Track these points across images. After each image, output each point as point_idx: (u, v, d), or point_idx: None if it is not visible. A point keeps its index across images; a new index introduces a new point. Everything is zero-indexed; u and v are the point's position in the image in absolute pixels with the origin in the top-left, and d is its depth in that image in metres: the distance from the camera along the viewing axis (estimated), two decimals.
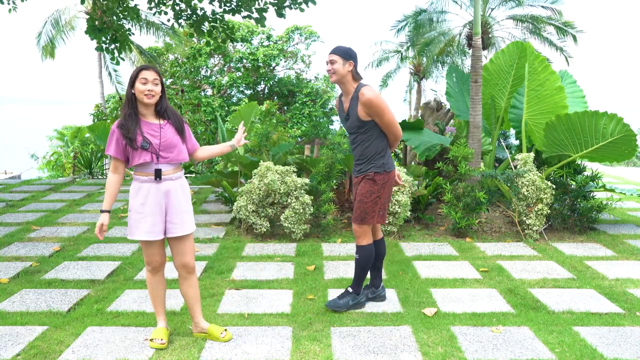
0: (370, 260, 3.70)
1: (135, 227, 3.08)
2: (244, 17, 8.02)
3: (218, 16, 7.99)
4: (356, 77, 3.46)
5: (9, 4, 7.95)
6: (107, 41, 7.98)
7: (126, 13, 7.91)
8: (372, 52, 24.98)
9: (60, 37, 20.14)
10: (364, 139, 3.50)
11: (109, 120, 10.91)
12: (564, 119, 5.65)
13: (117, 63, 8.43)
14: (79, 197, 7.99)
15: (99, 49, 8.06)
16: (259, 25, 8.08)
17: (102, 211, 3.08)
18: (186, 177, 10.55)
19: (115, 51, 8.16)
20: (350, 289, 3.77)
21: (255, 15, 7.67)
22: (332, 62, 3.41)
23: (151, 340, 3.20)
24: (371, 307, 3.83)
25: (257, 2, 7.58)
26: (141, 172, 3.06)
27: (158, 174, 3.04)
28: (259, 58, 24.61)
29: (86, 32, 7.85)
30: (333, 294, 4.07)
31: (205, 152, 3.34)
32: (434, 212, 6.65)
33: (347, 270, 4.63)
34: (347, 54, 3.42)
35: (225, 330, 3.32)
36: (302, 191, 5.53)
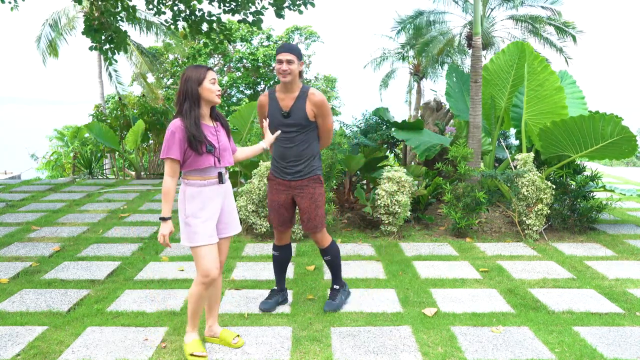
0: (339, 253, 3.78)
1: (197, 233, 2.95)
2: (239, 22, 8.02)
3: (215, 17, 7.98)
4: (301, 76, 3.48)
5: (10, 2, 7.95)
6: (103, 41, 7.98)
7: (124, 14, 7.90)
8: (372, 52, 24.99)
9: (62, 37, 20.16)
10: (303, 139, 3.48)
11: (108, 120, 10.91)
12: (560, 123, 5.64)
13: (110, 63, 8.46)
14: (78, 197, 7.99)
15: (92, 48, 8.06)
16: (256, 28, 8.08)
17: (163, 219, 2.96)
18: None
19: (109, 52, 8.15)
20: (336, 287, 3.84)
21: (251, 18, 7.68)
22: (289, 62, 3.33)
23: (192, 355, 3.04)
24: (371, 307, 3.83)
25: (255, 4, 7.58)
26: (200, 176, 2.97)
27: (221, 178, 3.01)
28: (259, 58, 24.63)
29: (83, 33, 7.86)
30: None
31: (241, 154, 3.31)
32: (433, 212, 6.65)
33: (347, 270, 4.63)
34: (300, 54, 3.41)
35: (238, 336, 3.25)
36: None
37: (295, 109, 3.43)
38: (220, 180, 3.01)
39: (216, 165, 2.97)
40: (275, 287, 3.89)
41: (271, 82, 25.96)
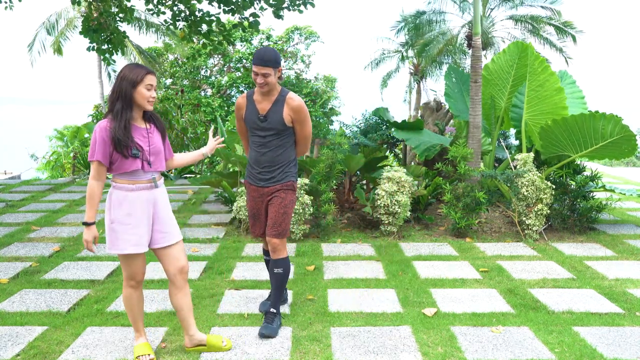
0: (289, 272, 3.53)
1: (120, 240, 2.84)
2: (233, 27, 8.02)
3: (214, 17, 7.98)
4: (279, 81, 3.34)
5: (5, 2, 7.94)
6: (101, 41, 7.97)
7: (123, 15, 7.90)
8: (372, 53, 24.99)
9: (65, 36, 20.18)
10: (279, 144, 3.35)
11: None
12: (561, 122, 5.65)
13: (109, 64, 8.48)
14: (78, 197, 7.99)
15: (90, 49, 8.07)
16: (253, 30, 8.07)
17: (86, 224, 2.81)
18: (186, 177, 10.56)
19: (107, 52, 8.16)
20: (273, 310, 3.48)
21: (250, 19, 7.67)
22: (265, 75, 3.19)
23: (137, 358, 2.99)
24: (371, 307, 3.83)
25: (253, 5, 7.57)
26: (127, 180, 2.83)
27: (153, 182, 2.89)
28: None
29: (81, 33, 7.87)
30: (332, 294, 4.08)
31: (179, 160, 3.18)
32: (433, 212, 6.65)
33: (347, 271, 4.63)
34: (277, 63, 3.23)
35: (225, 338, 3.21)
36: (302, 191, 5.53)
37: (272, 113, 3.31)
38: (154, 185, 2.89)
39: (145, 169, 2.84)
40: None
41: None
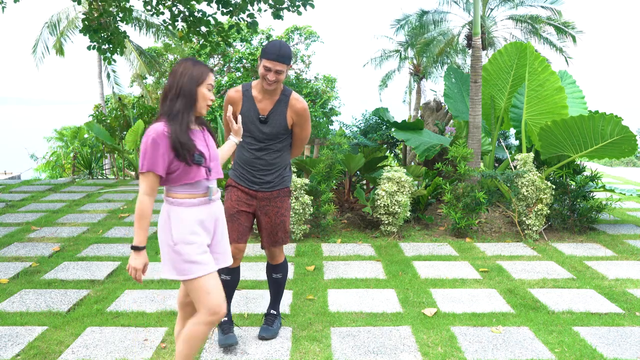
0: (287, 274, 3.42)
1: (193, 263, 2.38)
2: (230, 28, 8.01)
3: (211, 18, 7.98)
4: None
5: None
6: (101, 40, 7.99)
7: (123, 14, 7.90)
8: (371, 52, 24.99)
9: (67, 36, 20.17)
10: (278, 148, 3.10)
11: (108, 121, 10.90)
12: (561, 123, 5.64)
13: (109, 63, 8.52)
14: (78, 197, 7.99)
15: (90, 48, 8.08)
16: (252, 30, 8.08)
17: (137, 248, 2.35)
18: None
19: (108, 51, 8.17)
20: (274, 312, 3.42)
21: (247, 20, 7.67)
22: (278, 72, 2.89)
23: None
24: (371, 307, 3.83)
25: (252, 6, 7.57)
26: (189, 193, 2.42)
27: (213, 193, 2.49)
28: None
29: (81, 31, 7.87)
30: (332, 294, 4.08)
31: (221, 159, 2.76)
32: (433, 212, 6.65)
33: (347, 271, 4.63)
34: (290, 59, 2.95)
35: None
36: (302, 191, 5.53)
37: (274, 114, 3.04)
38: (214, 196, 2.50)
39: (208, 177, 2.45)
40: (226, 318, 3.30)
41: None
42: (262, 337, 3.31)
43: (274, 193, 3.14)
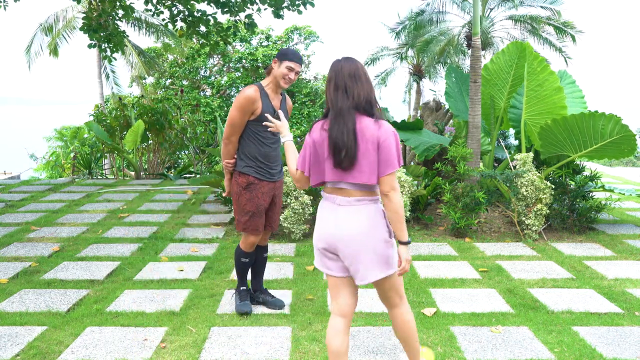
0: None
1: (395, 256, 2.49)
2: (227, 29, 8.00)
3: (210, 17, 7.98)
4: None
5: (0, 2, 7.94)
6: (101, 39, 8.00)
7: (124, 12, 7.90)
8: (371, 52, 24.97)
9: (62, 37, 20.16)
10: (280, 138, 3.27)
11: (108, 121, 10.90)
12: (561, 121, 5.65)
13: (110, 62, 8.54)
14: (78, 197, 7.99)
15: (91, 46, 8.08)
16: (250, 31, 8.10)
17: (408, 242, 2.42)
18: (186, 177, 10.56)
19: (108, 50, 8.18)
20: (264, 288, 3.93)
21: (245, 20, 7.68)
22: (297, 73, 3.34)
23: None
24: (371, 307, 3.84)
25: (252, 6, 7.57)
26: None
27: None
28: (258, 58, 24.60)
29: (81, 29, 7.89)
30: None
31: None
32: (433, 212, 6.65)
33: None
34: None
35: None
36: (302, 191, 5.53)
37: (282, 110, 3.52)
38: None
39: None
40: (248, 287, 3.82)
41: None
42: (282, 305, 3.76)
43: (281, 180, 3.64)
